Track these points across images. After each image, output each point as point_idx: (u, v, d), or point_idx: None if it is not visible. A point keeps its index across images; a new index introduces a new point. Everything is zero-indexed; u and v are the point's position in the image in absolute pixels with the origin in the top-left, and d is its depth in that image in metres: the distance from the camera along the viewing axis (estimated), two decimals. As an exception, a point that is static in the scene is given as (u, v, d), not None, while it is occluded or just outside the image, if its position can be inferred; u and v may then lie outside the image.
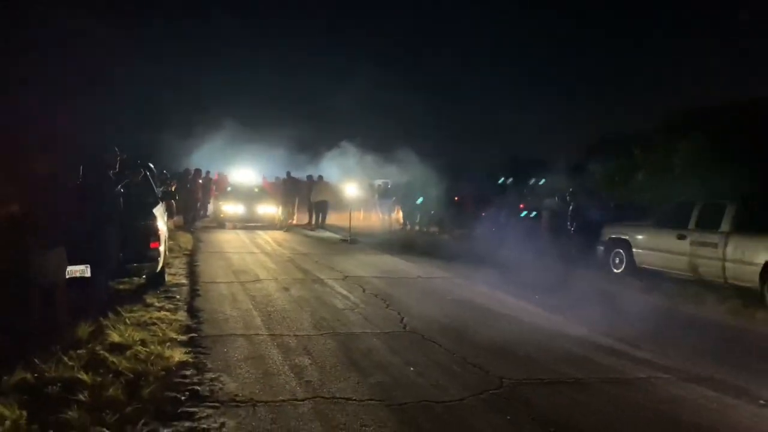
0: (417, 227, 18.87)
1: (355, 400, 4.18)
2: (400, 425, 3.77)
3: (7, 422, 3.41)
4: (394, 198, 21.63)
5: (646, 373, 5.09)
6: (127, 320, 5.85)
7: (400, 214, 21.51)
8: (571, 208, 13.99)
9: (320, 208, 19.52)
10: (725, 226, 9.49)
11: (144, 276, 7.73)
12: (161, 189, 10.54)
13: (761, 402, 4.47)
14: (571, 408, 4.22)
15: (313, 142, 26.73)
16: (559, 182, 16.25)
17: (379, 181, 24.75)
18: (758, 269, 8.66)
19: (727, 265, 9.24)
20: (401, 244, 15.27)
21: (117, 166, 6.78)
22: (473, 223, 17.87)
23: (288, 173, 20.74)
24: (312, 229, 18.83)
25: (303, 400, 4.13)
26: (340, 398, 4.19)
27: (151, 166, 10.13)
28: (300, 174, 21.50)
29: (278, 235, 16.55)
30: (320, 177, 20.40)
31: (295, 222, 20.08)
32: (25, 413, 3.52)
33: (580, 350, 5.75)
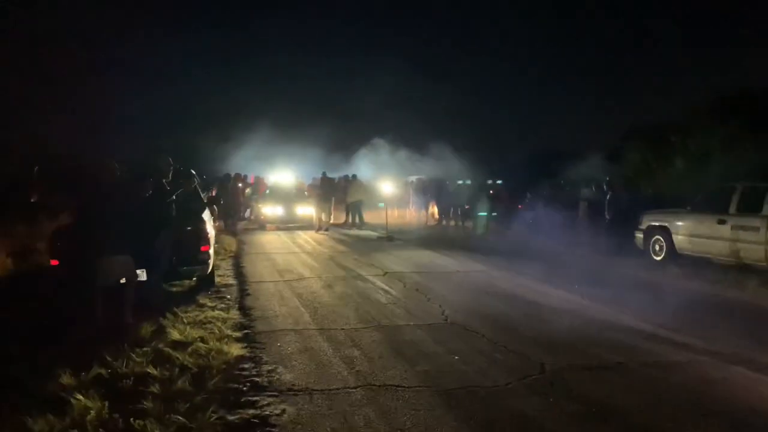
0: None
1: (403, 386, 4.42)
2: (448, 409, 4.00)
3: (92, 412, 3.76)
4: (429, 194, 21.81)
5: (686, 357, 5.19)
6: (184, 320, 6.23)
7: (435, 209, 21.68)
8: (608, 197, 13.98)
9: (356, 208, 19.84)
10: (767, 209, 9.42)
11: (195, 278, 8.15)
12: (205, 194, 11.00)
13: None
14: (612, 390, 4.38)
15: (347, 141, 27.16)
16: (595, 172, 16.22)
17: (413, 177, 24.96)
18: (801, 252, 8.61)
19: (770, 248, 9.18)
20: (438, 239, 15.48)
21: (170, 175, 7.19)
22: (510, 216, 17.96)
23: (323, 173, 21.13)
24: (349, 228, 19.16)
25: (355, 388, 4.40)
26: (390, 385, 4.45)
27: (194, 173, 10.59)
28: (335, 174, 21.91)
29: (317, 235, 16.92)
30: (354, 176, 20.72)
31: (332, 222, 20.45)
32: (106, 404, 3.87)
33: (620, 336, 5.87)
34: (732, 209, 10.04)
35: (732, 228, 9.91)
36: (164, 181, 6.86)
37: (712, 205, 10.54)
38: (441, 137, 24.24)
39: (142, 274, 6.93)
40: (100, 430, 3.55)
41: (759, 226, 9.41)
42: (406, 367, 4.89)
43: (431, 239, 15.43)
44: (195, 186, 9.04)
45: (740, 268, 9.64)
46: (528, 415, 3.91)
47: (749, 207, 9.76)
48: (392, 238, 15.72)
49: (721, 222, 10.11)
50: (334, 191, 20.61)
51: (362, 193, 20.12)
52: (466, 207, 19.78)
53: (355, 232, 18.24)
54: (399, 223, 21.47)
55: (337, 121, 26.96)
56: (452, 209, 20.51)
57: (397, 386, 4.44)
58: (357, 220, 19.91)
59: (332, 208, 20.83)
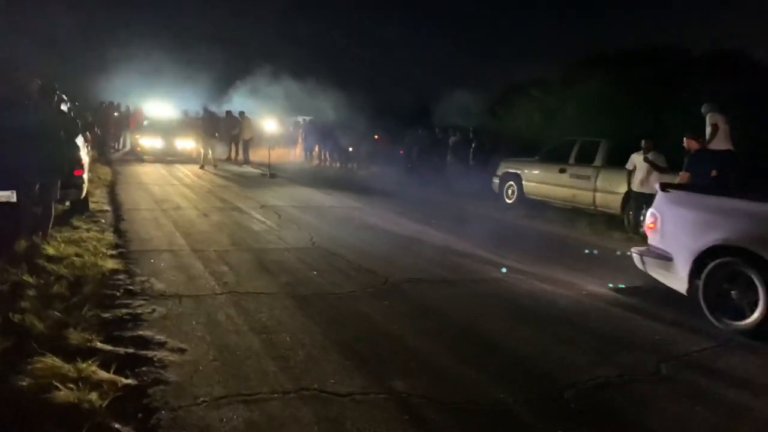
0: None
1: (264, 293, 5.13)
2: (299, 309, 4.76)
3: (-32, 310, 4.10)
4: (315, 135, 22.25)
5: (504, 275, 6.33)
6: (58, 238, 6.46)
7: (318, 149, 22.22)
8: (473, 145, 15.28)
9: (245, 145, 19.85)
10: (598, 161, 10.99)
11: (68, 203, 8.22)
12: (79, 121, 10.76)
13: (584, 292, 5.78)
14: (438, 297, 5.37)
15: (233, 74, 26.55)
16: (471, 124, 17.49)
17: (301, 118, 25.20)
18: (620, 198, 10.24)
19: (597, 195, 10.79)
20: (320, 178, 16.14)
21: (37, 95, 7.15)
22: (389, 160, 18.93)
23: (205, 108, 20.72)
24: (238, 165, 19.19)
25: (221, 294, 5.04)
26: (252, 293, 5.13)
27: (65, 97, 10.32)
28: (221, 110, 21.59)
29: (198, 170, 16.91)
30: (242, 113, 20.59)
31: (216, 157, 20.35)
32: (-17, 303, 4.22)
33: (458, 259, 6.94)
34: (571, 160, 11.55)
35: (570, 176, 11.44)
36: (32, 101, 6.84)
37: (557, 156, 12.03)
38: (332, 79, 24.52)
39: (11, 196, 6.99)
40: (-22, 324, 3.92)
41: (590, 175, 10.97)
42: (270, 279, 5.60)
43: (314, 178, 16.05)
44: (68, 111, 8.94)
45: (574, 211, 11.23)
46: (364, 312, 4.78)
47: (585, 158, 11.30)
48: (275, 175, 16.11)
49: (562, 171, 11.61)
50: (218, 127, 20.41)
51: (251, 131, 20.14)
52: (350, 150, 20.57)
53: (237, 168, 18.37)
54: (284, 162, 21.79)
55: (224, 52, 26.09)
56: (338, 151, 21.22)
57: (259, 293, 5.13)
58: (243, 157, 19.97)
59: (215, 143, 20.69)
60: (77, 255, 5.77)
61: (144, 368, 3.50)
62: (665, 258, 5.36)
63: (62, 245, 6.10)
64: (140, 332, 4.07)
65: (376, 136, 20.80)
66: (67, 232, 6.86)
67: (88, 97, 20.74)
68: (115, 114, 19.91)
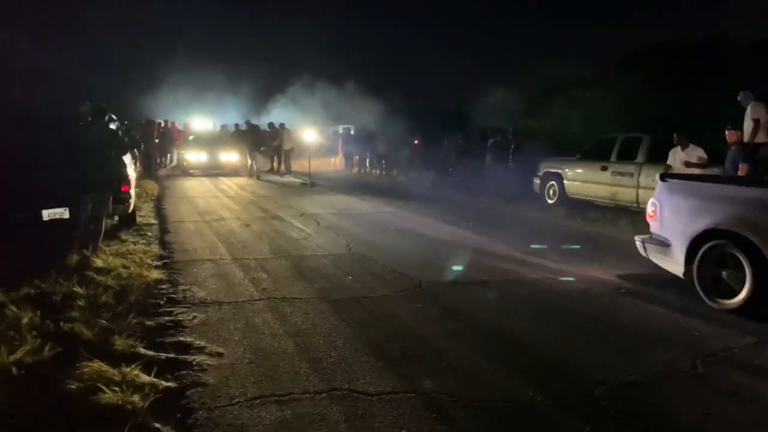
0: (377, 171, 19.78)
1: (300, 298, 5.27)
2: (333, 312, 4.88)
3: (24, 320, 4.37)
4: (354, 144, 22.51)
5: (540, 275, 6.29)
6: (107, 251, 6.78)
7: (358, 158, 22.46)
8: (512, 146, 15.16)
9: (286, 156, 20.30)
10: (640, 158, 10.76)
11: (117, 217, 8.62)
12: (126, 139, 11.25)
13: (621, 290, 5.70)
14: (472, 299, 5.39)
15: (275, 87, 27.18)
16: (509, 125, 17.39)
17: (341, 127, 25.53)
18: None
19: (640, 191, 10.55)
20: (359, 186, 16.32)
21: (89, 117, 7.55)
22: (428, 164, 18.98)
23: (247, 121, 21.33)
24: (281, 176, 19.63)
25: (259, 300, 5.21)
26: (289, 298, 5.28)
27: (114, 117, 10.83)
28: (261, 122, 22.22)
29: (241, 181, 17.37)
30: (282, 125, 21.08)
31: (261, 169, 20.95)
32: (38, 313, 4.49)
33: (493, 261, 6.93)
34: (613, 157, 11.34)
35: (612, 174, 11.23)
36: (85, 123, 7.23)
37: (597, 154, 11.83)
38: (369, 87, 24.80)
39: (64, 212, 7.39)
40: (33, 332, 4.18)
41: (633, 171, 10.75)
42: (306, 284, 5.74)
43: (353, 186, 16.25)
44: (116, 129, 9.39)
45: (617, 209, 11.02)
46: (396, 315, 4.85)
47: (626, 155, 11.08)
48: (315, 184, 16.39)
49: (604, 168, 11.41)
50: (261, 139, 20.96)
51: (291, 142, 20.58)
52: (389, 156, 20.72)
53: (279, 179, 18.77)
54: (324, 170, 22.14)
55: (263, 66, 26.75)
56: (376, 158, 21.43)
57: (295, 298, 5.27)
58: (285, 167, 20.41)
59: (259, 155, 21.28)
60: (124, 266, 6.06)
61: (183, 372, 3.67)
62: (664, 244, 5.67)
63: (110, 258, 6.41)
64: (181, 338, 4.26)
65: (415, 141, 20.89)
66: (116, 246, 7.20)
67: (135, 115, 21.62)
68: (161, 130, 20.63)
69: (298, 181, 17.68)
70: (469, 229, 9.08)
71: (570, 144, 14.23)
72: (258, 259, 6.87)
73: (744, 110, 8.38)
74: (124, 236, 7.91)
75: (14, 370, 3.54)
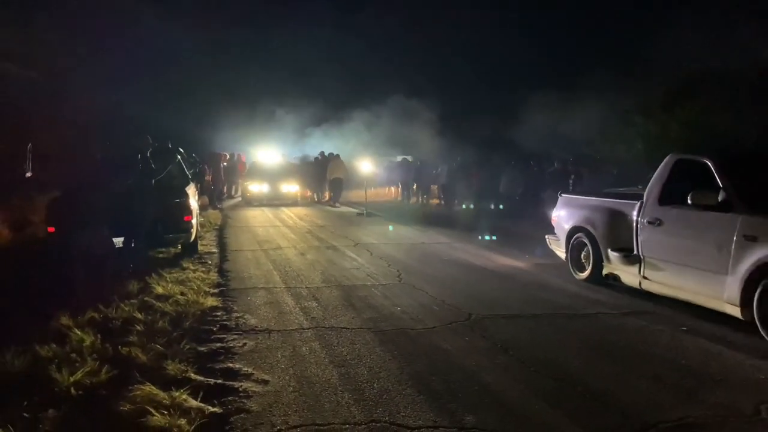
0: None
1: (348, 328, 5.31)
2: (379, 343, 4.88)
3: (87, 342, 4.61)
4: (411, 174, 22.68)
5: (595, 310, 6.09)
6: (167, 278, 7.08)
7: (416, 188, 22.58)
8: (572, 177, 14.87)
9: (336, 185, 20.68)
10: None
11: (180, 246, 9.02)
12: (191, 171, 11.82)
13: (683, 327, 5.44)
14: (520, 332, 5.27)
15: (333, 118, 27.90)
16: (569, 153, 17.11)
17: (399, 158, 25.80)
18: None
19: None
20: (414, 216, 16.36)
21: (149, 153, 8.00)
22: (486, 194, 18.82)
23: (322, 152, 22.12)
24: (332, 205, 20.04)
25: (307, 329, 5.29)
26: (337, 327, 5.33)
27: (181, 150, 11.41)
28: (316, 152, 23.10)
29: (300, 211, 17.77)
30: (331, 154, 21.55)
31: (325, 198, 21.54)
32: (99, 337, 4.73)
33: (547, 294, 6.77)
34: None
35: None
36: (145, 158, 7.68)
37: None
38: (427, 118, 25.07)
39: (124, 241, 7.82)
40: (94, 355, 4.39)
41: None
42: (354, 314, 5.78)
43: (409, 216, 16.29)
44: (179, 162, 9.89)
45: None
46: (443, 347, 4.81)
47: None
48: (371, 214, 16.56)
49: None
50: (323, 169, 21.54)
51: (342, 171, 20.94)
52: (446, 186, 20.73)
53: (336, 209, 19.09)
54: (382, 201, 22.38)
55: (321, 99, 27.52)
56: (436, 189, 21.56)
57: (343, 328, 5.32)
58: (332, 197, 20.86)
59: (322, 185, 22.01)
60: (182, 293, 6.30)
61: (229, 398, 3.77)
62: (557, 239, 8.22)
63: (170, 284, 6.68)
64: (230, 364, 4.38)
65: (472, 172, 20.81)
66: (176, 273, 7.49)
67: (206, 148, 22.64)
68: (224, 164, 21.49)
69: (354, 211, 17.91)
70: (524, 261, 8.92)
71: (633, 173, 13.81)
72: (310, 288, 6.98)
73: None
74: (185, 264, 8.22)
75: (73, 390, 3.73)
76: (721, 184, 5.58)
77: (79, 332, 4.80)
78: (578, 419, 3.48)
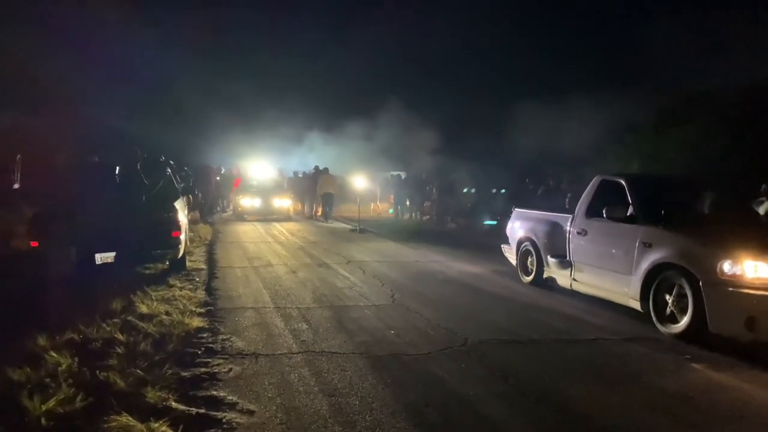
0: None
1: (339, 353, 5.08)
2: (372, 370, 4.66)
3: (63, 366, 4.36)
4: (405, 190, 22.54)
5: (595, 335, 5.90)
6: (153, 296, 6.82)
7: (410, 204, 22.45)
8: (569, 196, 14.73)
9: (327, 200, 20.48)
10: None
11: (167, 261, 8.75)
12: (182, 185, 11.60)
13: (686, 356, 5.26)
14: (521, 360, 5.07)
15: (328, 132, 27.74)
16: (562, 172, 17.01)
17: (393, 173, 25.67)
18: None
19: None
20: (408, 233, 16.18)
21: (139, 166, 7.79)
22: (480, 212, 18.67)
23: (317, 167, 21.96)
24: (324, 221, 19.83)
25: (297, 353, 5.05)
26: (328, 352, 5.10)
27: (172, 163, 11.20)
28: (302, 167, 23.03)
29: (292, 226, 17.53)
30: (326, 169, 21.40)
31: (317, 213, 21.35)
32: (76, 360, 4.48)
33: (546, 318, 6.58)
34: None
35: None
36: (134, 171, 7.47)
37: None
38: (421, 135, 24.96)
39: (113, 257, 7.58)
40: (70, 380, 4.14)
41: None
42: (346, 338, 5.55)
43: (402, 233, 16.10)
44: (169, 175, 9.66)
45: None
46: (438, 375, 4.59)
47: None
48: (364, 230, 16.37)
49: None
50: (314, 184, 21.37)
51: (333, 186, 20.75)
52: (439, 203, 20.58)
53: (329, 224, 18.88)
54: (374, 217, 22.21)
55: (316, 114, 27.39)
56: (428, 205, 21.45)
57: (334, 353, 5.09)
58: (323, 212, 20.67)
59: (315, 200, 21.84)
60: (167, 313, 6.05)
61: (212, 430, 3.53)
62: (510, 247, 9.28)
63: (155, 303, 6.43)
64: (214, 392, 4.14)
65: (465, 189, 20.71)
66: (162, 291, 7.24)
67: (191, 161, 22.42)
68: (217, 178, 21.26)
69: (346, 227, 17.70)
70: (520, 282, 8.74)
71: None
72: (300, 309, 6.75)
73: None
74: (172, 281, 7.97)
75: (44, 420, 3.49)
76: (630, 201, 6.62)
77: (55, 354, 4.55)
78: (583, 458, 3.27)
